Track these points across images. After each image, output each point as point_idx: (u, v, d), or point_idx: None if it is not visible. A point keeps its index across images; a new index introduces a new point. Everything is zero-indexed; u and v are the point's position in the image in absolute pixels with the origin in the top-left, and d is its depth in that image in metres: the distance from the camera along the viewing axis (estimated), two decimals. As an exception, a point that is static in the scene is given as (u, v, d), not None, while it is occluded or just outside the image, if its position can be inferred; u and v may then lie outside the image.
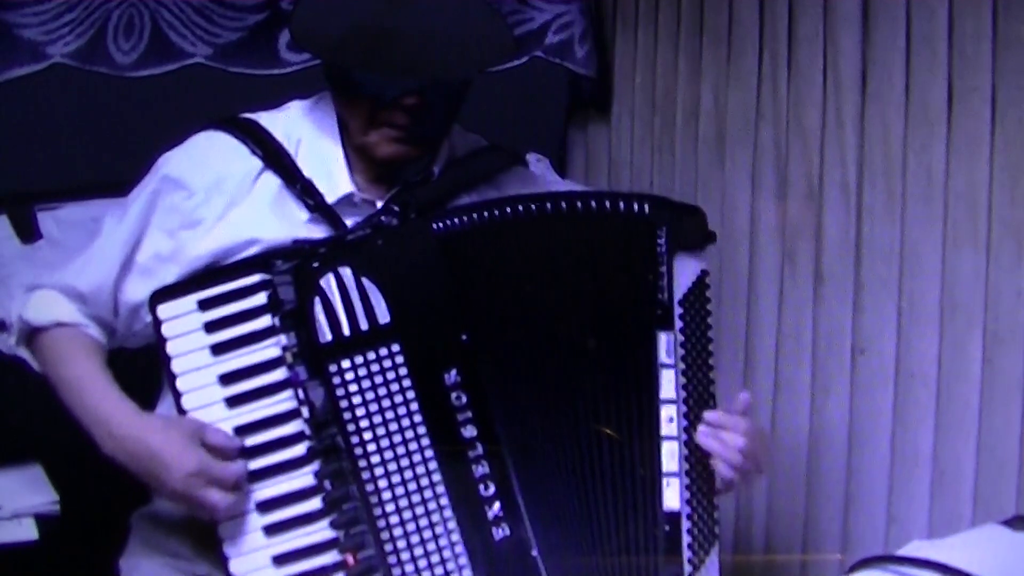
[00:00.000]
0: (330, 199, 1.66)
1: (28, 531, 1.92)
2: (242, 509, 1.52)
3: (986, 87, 1.68)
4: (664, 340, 1.60)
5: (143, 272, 1.65)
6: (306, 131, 1.70)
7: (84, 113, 2.30)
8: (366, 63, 1.61)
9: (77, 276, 1.67)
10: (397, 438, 1.53)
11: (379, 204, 1.66)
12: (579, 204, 1.62)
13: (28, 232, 2.19)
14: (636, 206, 1.63)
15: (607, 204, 1.63)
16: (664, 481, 1.57)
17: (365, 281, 1.55)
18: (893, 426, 1.87)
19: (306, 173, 1.66)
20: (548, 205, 1.62)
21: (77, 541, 1.94)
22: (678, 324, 1.61)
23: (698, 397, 1.60)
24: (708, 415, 1.59)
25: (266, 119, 1.71)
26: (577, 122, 2.65)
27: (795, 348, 2.05)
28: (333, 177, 1.67)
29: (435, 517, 1.52)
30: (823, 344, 2.00)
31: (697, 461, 1.59)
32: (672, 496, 1.57)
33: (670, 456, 1.58)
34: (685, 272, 1.62)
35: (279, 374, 1.55)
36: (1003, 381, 1.69)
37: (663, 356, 1.60)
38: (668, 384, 1.59)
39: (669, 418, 1.58)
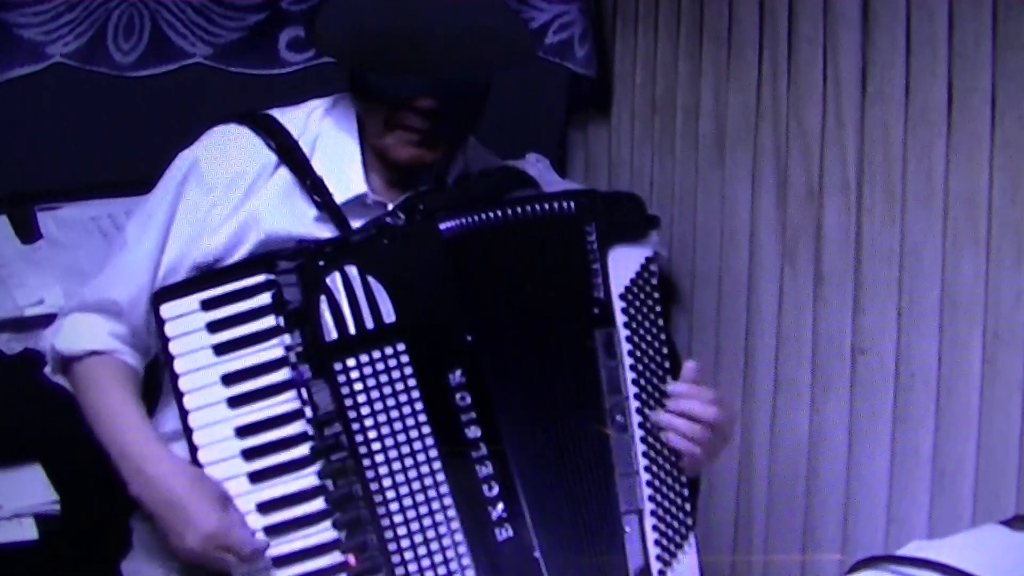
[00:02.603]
0: (342, 198, 1.66)
1: (28, 531, 1.92)
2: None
3: (986, 87, 1.68)
4: (605, 339, 1.60)
5: (170, 271, 1.64)
6: (325, 129, 1.70)
7: (84, 113, 2.30)
8: (378, 64, 1.60)
9: (112, 288, 1.66)
10: (401, 438, 1.53)
11: (391, 207, 1.66)
12: (512, 209, 1.61)
13: (28, 232, 2.19)
14: (564, 206, 1.63)
15: (535, 207, 1.62)
16: (620, 480, 1.57)
17: (371, 280, 1.55)
18: (893, 426, 1.87)
19: (321, 171, 1.66)
20: (498, 212, 1.61)
21: (77, 541, 1.94)
22: (621, 319, 1.61)
23: (653, 389, 1.60)
24: (670, 387, 1.59)
25: (283, 115, 1.71)
26: (577, 122, 2.65)
27: (795, 348, 2.06)
28: (348, 177, 1.67)
29: (438, 517, 1.52)
30: (823, 344, 2.00)
31: (657, 454, 1.59)
32: (630, 495, 1.57)
33: (624, 455, 1.58)
34: (625, 264, 1.62)
35: (282, 374, 1.55)
36: (1003, 381, 1.69)
37: (605, 355, 1.60)
38: (615, 382, 1.59)
39: (619, 415, 1.59)
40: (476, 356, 1.56)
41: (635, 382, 1.59)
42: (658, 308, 1.62)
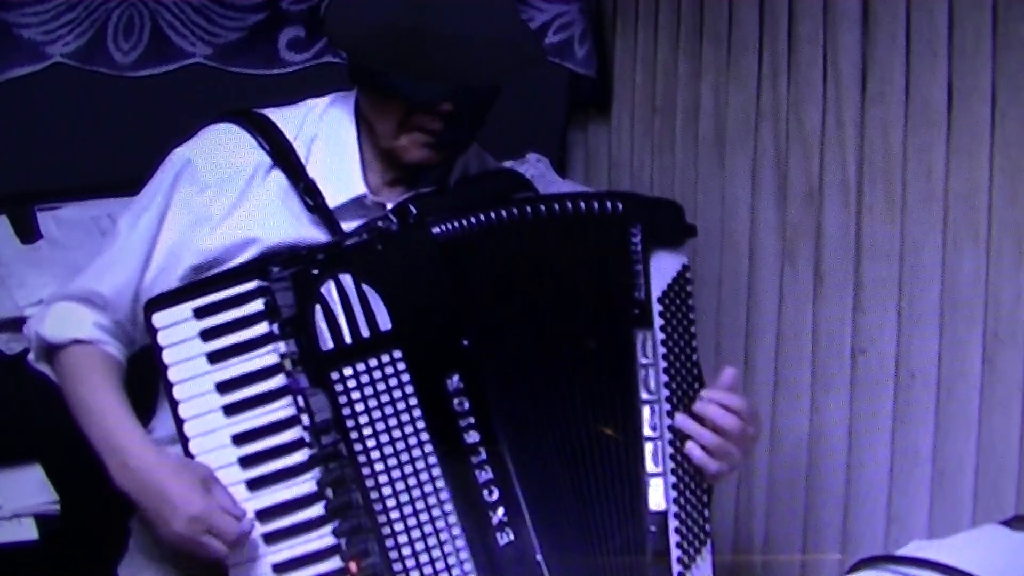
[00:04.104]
0: (341, 200, 1.65)
1: (28, 531, 1.92)
2: (245, 560, 1.51)
3: (986, 87, 1.68)
4: (642, 339, 1.60)
5: (161, 270, 1.64)
6: (323, 129, 1.69)
7: (84, 113, 2.31)
8: (406, 66, 1.59)
9: (99, 280, 1.66)
10: (400, 445, 1.52)
11: (389, 207, 1.66)
12: (555, 207, 1.62)
13: (28, 232, 2.19)
14: (609, 205, 1.63)
15: (581, 205, 1.63)
16: (648, 481, 1.57)
17: (365, 287, 1.55)
18: (893, 426, 1.87)
19: (318, 173, 1.66)
20: (527, 209, 1.61)
21: (77, 541, 1.94)
22: (658, 322, 1.61)
23: (682, 394, 1.60)
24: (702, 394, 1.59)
25: (279, 115, 1.70)
26: (577, 122, 2.64)
27: (795, 348, 2.05)
28: (346, 178, 1.66)
29: (439, 523, 1.52)
30: (823, 344, 2.00)
31: (684, 458, 1.59)
32: (657, 496, 1.57)
33: (653, 456, 1.58)
34: (663, 268, 1.62)
35: (277, 381, 1.54)
36: (1003, 381, 1.69)
37: (641, 355, 1.60)
38: (648, 383, 1.59)
39: (650, 417, 1.59)
40: (473, 360, 1.55)
41: (667, 385, 1.59)
42: (691, 316, 1.62)
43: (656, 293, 1.61)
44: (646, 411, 1.59)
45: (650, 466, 1.58)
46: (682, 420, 1.58)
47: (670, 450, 1.59)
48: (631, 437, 1.58)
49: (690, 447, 1.58)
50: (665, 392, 1.59)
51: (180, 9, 2.16)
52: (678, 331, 1.61)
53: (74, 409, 1.62)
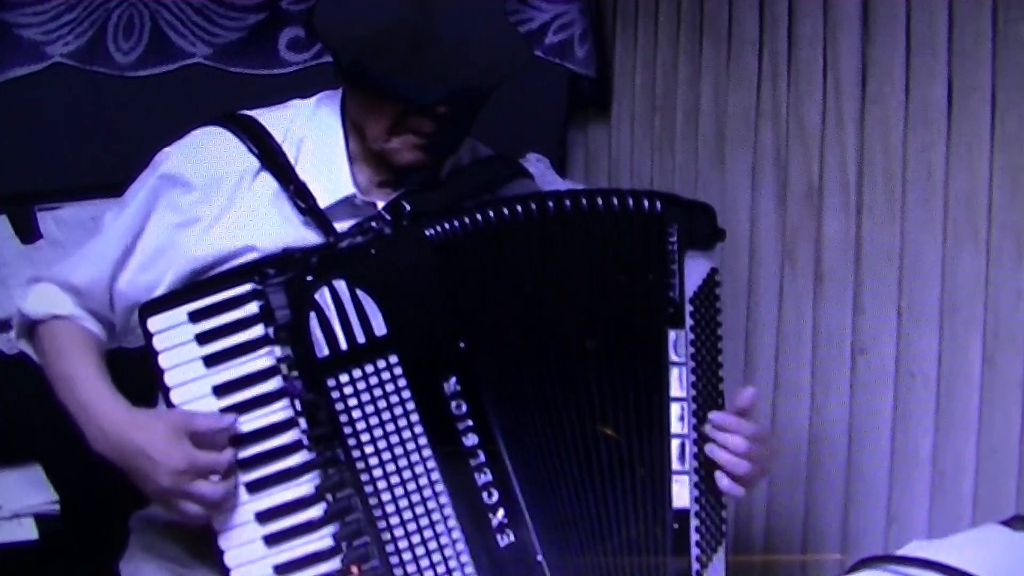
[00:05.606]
0: (331, 200, 1.65)
1: (28, 531, 1.92)
2: (233, 502, 1.51)
3: (986, 87, 1.68)
4: (674, 338, 1.60)
5: (141, 268, 1.64)
6: (310, 131, 1.69)
7: (84, 113, 2.30)
8: (404, 68, 1.58)
9: (73, 271, 1.67)
10: (398, 449, 1.52)
11: (380, 206, 1.65)
12: (587, 202, 1.62)
13: (28, 232, 2.19)
14: (647, 203, 1.63)
15: (617, 202, 1.62)
16: (673, 479, 1.57)
17: (360, 293, 1.54)
18: (893, 426, 1.87)
19: (308, 173, 1.65)
20: (555, 204, 1.61)
21: (77, 541, 1.94)
22: (688, 322, 1.61)
23: (707, 395, 1.60)
24: (713, 416, 1.59)
25: (266, 117, 1.70)
26: (577, 122, 2.65)
27: (795, 348, 2.06)
28: (335, 178, 1.66)
29: (439, 527, 1.51)
30: (823, 344, 2.00)
31: (707, 459, 1.59)
32: (681, 494, 1.57)
33: (679, 454, 1.58)
34: (696, 270, 1.62)
35: (273, 384, 1.54)
36: (1003, 381, 1.69)
37: (673, 354, 1.60)
38: (678, 382, 1.59)
39: (679, 416, 1.59)
40: (470, 363, 1.55)
41: (694, 385, 1.59)
42: (718, 319, 1.62)
43: (688, 294, 1.61)
44: (674, 409, 1.59)
45: (676, 464, 1.58)
46: (711, 449, 1.59)
47: (695, 449, 1.59)
48: (656, 434, 1.58)
49: (718, 476, 1.58)
50: (692, 392, 1.59)
51: (180, 9, 2.16)
52: (706, 332, 1.61)
53: (52, 381, 1.63)
